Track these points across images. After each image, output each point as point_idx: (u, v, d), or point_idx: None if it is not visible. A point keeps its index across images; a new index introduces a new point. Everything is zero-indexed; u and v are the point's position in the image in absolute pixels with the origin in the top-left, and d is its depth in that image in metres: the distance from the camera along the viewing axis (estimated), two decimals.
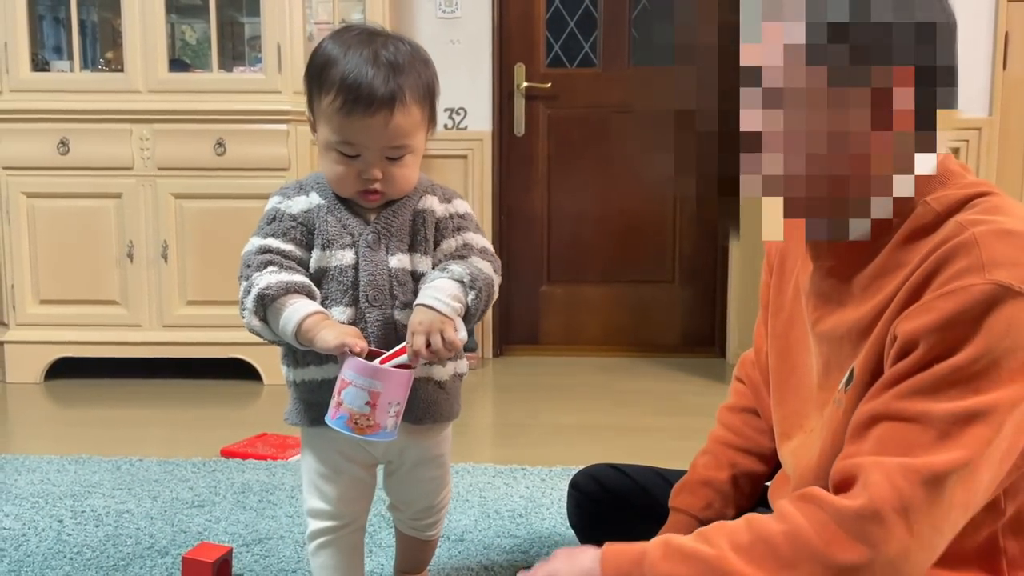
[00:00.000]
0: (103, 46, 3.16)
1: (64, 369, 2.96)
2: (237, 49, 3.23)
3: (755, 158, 0.87)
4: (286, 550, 1.53)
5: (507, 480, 1.91)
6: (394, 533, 1.33)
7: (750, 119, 0.86)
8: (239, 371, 2.93)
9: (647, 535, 1.21)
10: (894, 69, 0.85)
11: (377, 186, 1.08)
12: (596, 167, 3.47)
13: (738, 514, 1.08)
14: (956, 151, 3.14)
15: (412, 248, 1.13)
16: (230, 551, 1.42)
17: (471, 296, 1.08)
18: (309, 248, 1.11)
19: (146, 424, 2.47)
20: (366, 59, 1.04)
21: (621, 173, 3.44)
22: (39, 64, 2.98)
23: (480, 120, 3.38)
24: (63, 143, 2.86)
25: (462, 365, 1.19)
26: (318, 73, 1.07)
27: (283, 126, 2.84)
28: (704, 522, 1.20)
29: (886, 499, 0.81)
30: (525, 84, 3.44)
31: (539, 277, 3.58)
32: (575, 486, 1.42)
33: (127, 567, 1.45)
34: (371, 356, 1.03)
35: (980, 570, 0.90)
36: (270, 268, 1.07)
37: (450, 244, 1.15)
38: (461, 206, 1.18)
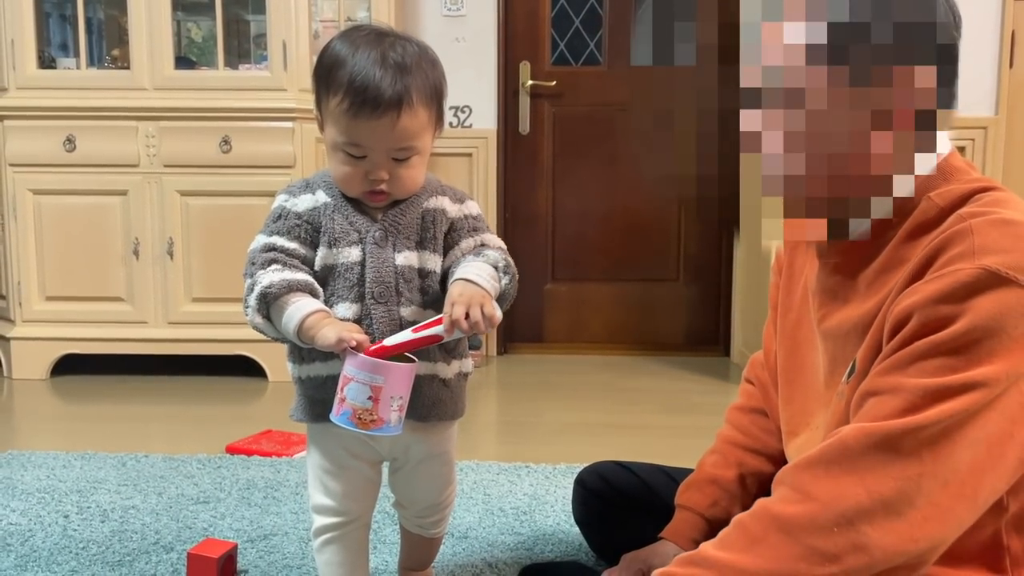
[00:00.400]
0: (109, 44, 3.17)
1: (70, 365, 2.97)
2: (243, 47, 3.24)
3: (758, 158, 0.87)
4: (291, 546, 1.53)
5: (511, 477, 1.91)
6: (399, 530, 1.33)
7: (759, 119, 0.86)
8: (244, 368, 2.93)
9: (652, 532, 1.23)
10: (894, 69, 0.85)
11: (383, 187, 1.08)
12: (601, 165, 3.47)
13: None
14: (962, 150, 3.13)
15: (421, 246, 1.13)
16: (235, 547, 1.42)
17: (505, 280, 1.10)
18: (314, 246, 1.12)
19: (151, 420, 2.48)
20: (374, 60, 1.04)
21: (626, 171, 3.44)
22: (45, 61, 2.99)
23: (485, 118, 3.38)
24: (69, 140, 2.86)
25: (467, 364, 1.20)
26: (326, 73, 1.07)
27: (288, 124, 2.84)
28: (710, 520, 1.21)
29: (833, 458, 0.82)
30: (530, 82, 3.44)
31: (543, 275, 3.58)
32: (581, 483, 1.43)
33: (132, 562, 1.46)
34: (374, 351, 1.03)
35: (983, 567, 0.90)
36: (274, 266, 1.07)
37: (468, 244, 1.15)
38: (473, 207, 1.19)
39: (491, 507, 1.72)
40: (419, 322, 1.08)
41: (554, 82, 3.44)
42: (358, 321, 1.10)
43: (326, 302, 1.10)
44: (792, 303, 1.11)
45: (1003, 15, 3.14)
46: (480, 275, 1.07)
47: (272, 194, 3.03)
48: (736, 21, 0.86)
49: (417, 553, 1.31)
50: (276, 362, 2.90)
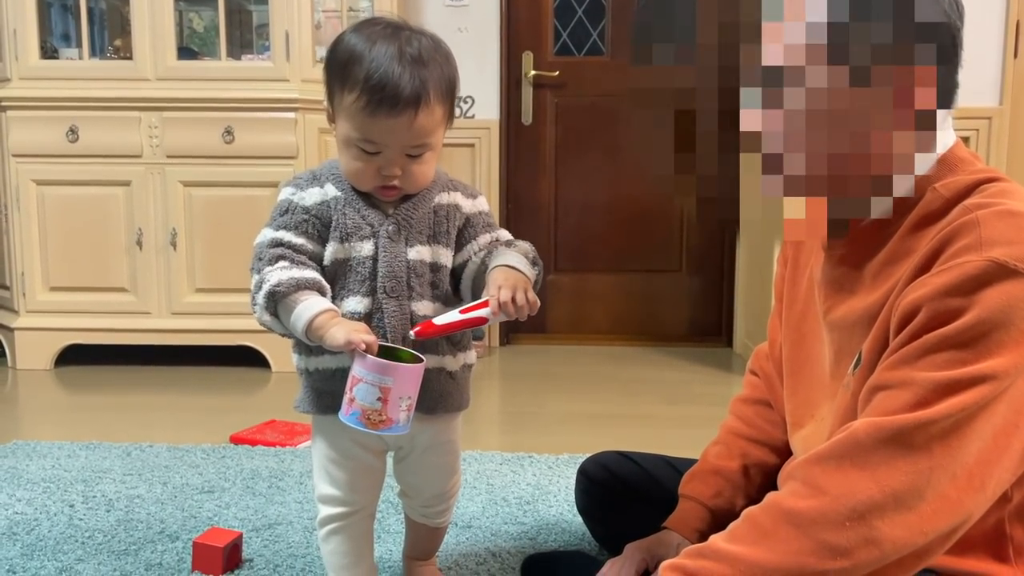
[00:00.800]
0: (111, 34, 3.16)
1: (74, 356, 2.98)
2: (245, 37, 3.23)
3: (776, 159, 0.87)
4: (295, 536, 1.54)
5: (514, 468, 1.92)
6: (403, 519, 1.34)
7: (759, 119, 0.86)
8: (248, 358, 2.94)
9: (655, 522, 1.23)
10: (894, 69, 0.85)
11: (396, 182, 1.08)
12: (604, 156, 3.47)
13: (747, 505, 1.09)
14: (966, 140, 3.12)
15: (433, 240, 1.13)
16: (240, 536, 1.43)
17: (537, 270, 1.13)
18: (322, 241, 1.11)
19: (155, 410, 2.49)
20: (391, 56, 1.03)
21: (629, 162, 3.44)
22: (48, 52, 2.99)
23: (488, 109, 3.38)
24: (72, 131, 2.86)
25: (471, 356, 1.20)
26: (340, 68, 1.05)
27: (291, 114, 2.84)
28: (713, 510, 1.21)
29: (844, 452, 0.82)
30: (533, 72, 3.43)
31: (546, 266, 3.55)
32: (584, 472, 1.43)
33: (138, 551, 1.47)
34: (381, 351, 1.04)
35: (987, 556, 0.91)
36: (281, 263, 1.06)
37: (485, 239, 1.16)
38: (484, 203, 1.19)
39: (494, 497, 1.73)
40: (434, 315, 1.09)
41: (557, 72, 3.43)
42: (368, 316, 1.10)
43: (336, 295, 1.10)
44: (797, 294, 1.11)
45: (1008, 5, 3.12)
46: (520, 263, 1.09)
47: (275, 185, 3.04)
48: (732, 21, 0.85)
49: (422, 542, 1.32)
50: (279, 352, 2.90)
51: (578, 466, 1.45)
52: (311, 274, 1.06)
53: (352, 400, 1.02)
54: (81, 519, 1.61)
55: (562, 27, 3.45)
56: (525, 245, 1.14)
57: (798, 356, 1.09)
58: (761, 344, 1.30)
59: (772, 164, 0.87)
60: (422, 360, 1.05)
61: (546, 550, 1.47)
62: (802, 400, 1.08)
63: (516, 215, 3.52)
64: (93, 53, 3.00)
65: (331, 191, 1.11)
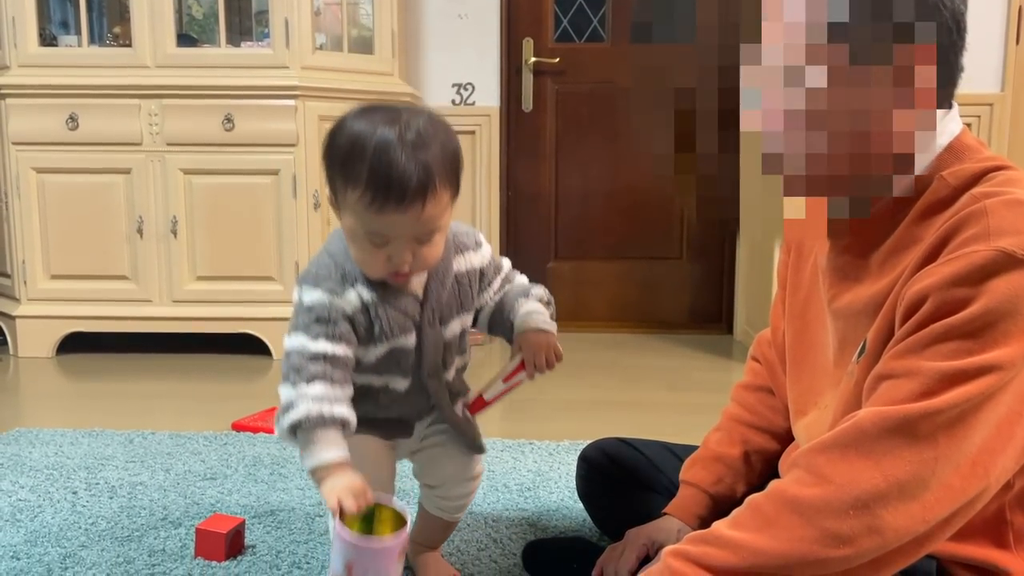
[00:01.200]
0: (110, 21, 3.15)
1: (75, 343, 2.98)
2: (244, 24, 3.22)
3: (776, 137, 0.87)
4: (298, 522, 1.55)
5: (515, 454, 1.92)
6: (417, 510, 1.34)
7: (759, 119, 0.86)
8: (249, 346, 2.94)
9: (656, 508, 1.24)
10: (895, 48, 0.84)
11: (406, 268, 1.06)
12: (604, 143, 3.46)
13: (748, 491, 1.09)
14: (968, 127, 3.11)
15: (461, 309, 1.18)
16: (242, 523, 1.43)
17: (551, 310, 1.22)
18: (361, 342, 1.10)
19: (157, 398, 2.49)
20: (392, 146, 0.99)
21: (629, 149, 3.43)
22: (47, 39, 2.97)
23: (488, 96, 3.37)
24: (72, 118, 2.86)
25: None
26: (342, 163, 1.02)
27: (291, 102, 2.83)
28: (714, 497, 1.21)
29: (849, 441, 0.82)
30: (533, 59, 3.42)
31: (546, 253, 3.58)
32: (584, 459, 1.44)
33: (141, 538, 1.47)
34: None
35: (987, 542, 0.91)
36: (317, 385, 1.04)
37: (496, 283, 1.22)
38: (488, 247, 1.22)
39: (495, 483, 1.74)
40: (460, 367, 1.20)
41: (557, 59, 3.42)
42: (410, 392, 1.16)
43: (380, 375, 1.14)
44: (801, 282, 1.11)
45: None
46: (547, 321, 1.18)
47: (275, 172, 3.03)
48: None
49: (433, 533, 1.33)
50: (281, 340, 2.90)
51: (579, 453, 1.46)
52: (340, 411, 1.04)
53: (332, 559, 0.99)
54: (84, 506, 1.62)
55: (562, 13, 3.44)
56: (539, 291, 1.22)
57: (801, 344, 1.09)
58: (763, 331, 1.30)
59: (772, 164, 0.87)
60: (405, 522, 1.00)
61: (547, 536, 1.47)
62: (805, 388, 1.08)
63: (516, 203, 3.51)
64: (92, 40, 2.99)
65: (364, 293, 1.08)
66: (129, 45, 2.88)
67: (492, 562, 1.39)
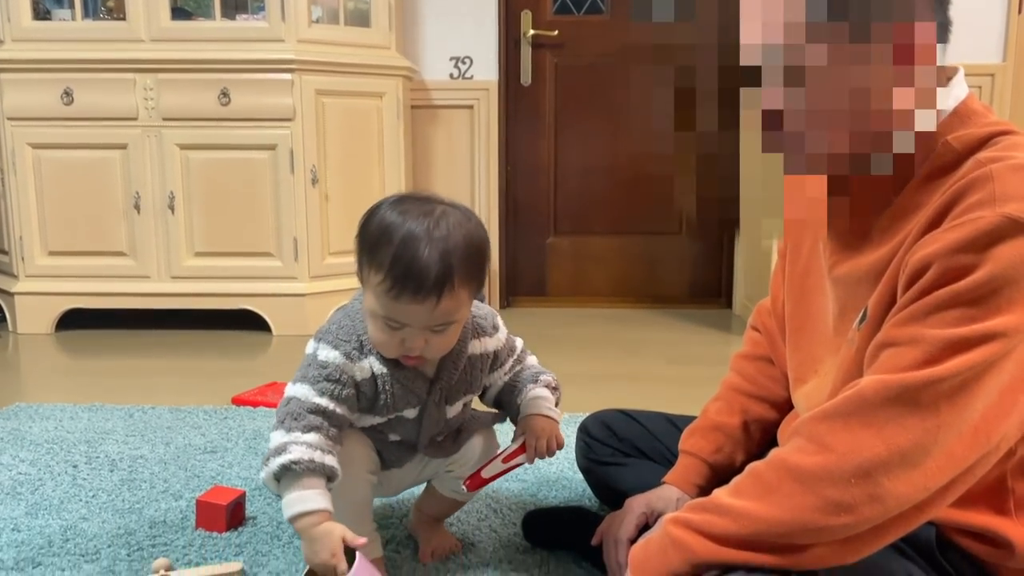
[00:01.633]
0: None
1: (75, 320, 2.98)
2: None
3: (777, 119, 0.86)
4: None
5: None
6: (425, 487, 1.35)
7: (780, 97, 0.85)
8: (249, 322, 2.94)
9: (655, 478, 1.24)
10: (897, 24, 0.84)
11: (417, 353, 1.09)
12: (604, 117, 3.44)
13: (747, 460, 1.09)
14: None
15: (468, 391, 1.21)
16: (243, 495, 1.44)
17: (556, 395, 1.27)
18: (361, 409, 1.14)
19: (157, 374, 2.49)
20: (418, 239, 1.02)
21: (629, 123, 3.41)
22: (40, 13, 2.95)
23: (486, 69, 3.34)
24: (67, 93, 2.84)
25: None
26: (370, 246, 1.06)
27: (287, 75, 2.81)
28: (713, 466, 1.21)
29: (851, 410, 0.82)
30: (532, 32, 3.39)
31: (546, 228, 3.57)
32: (584, 430, 1.44)
33: (142, 510, 1.48)
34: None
35: (988, 509, 0.91)
36: (312, 435, 1.06)
37: (508, 363, 1.27)
38: (504, 330, 1.25)
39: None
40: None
41: (556, 32, 3.39)
42: (402, 443, 1.20)
43: (377, 430, 1.18)
44: (801, 250, 1.10)
45: None
46: (552, 409, 1.24)
47: (273, 148, 3.01)
48: None
49: (441, 509, 1.34)
50: (281, 316, 2.90)
51: (578, 424, 1.46)
52: (331, 461, 1.05)
53: None
54: (85, 479, 1.62)
55: None
56: (548, 377, 1.27)
57: (801, 311, 1.09)
58: (763, 300, 1.30)
59: (771, 142, 0.86)
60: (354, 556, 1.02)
61: (547, 506, 1.48)
62: (805, 356, 1.08)
63: (515, 177, 3.50)
64: (86, 14, 2.96)
65: (376, 366, 1.12)
66: (123, 19, 2.85)
67: (492, 532, 1.39)
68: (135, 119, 2.85)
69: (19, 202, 2.91)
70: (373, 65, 2.95)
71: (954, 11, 0.90)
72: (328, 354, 1.11)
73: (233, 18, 2.97)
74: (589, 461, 1.43)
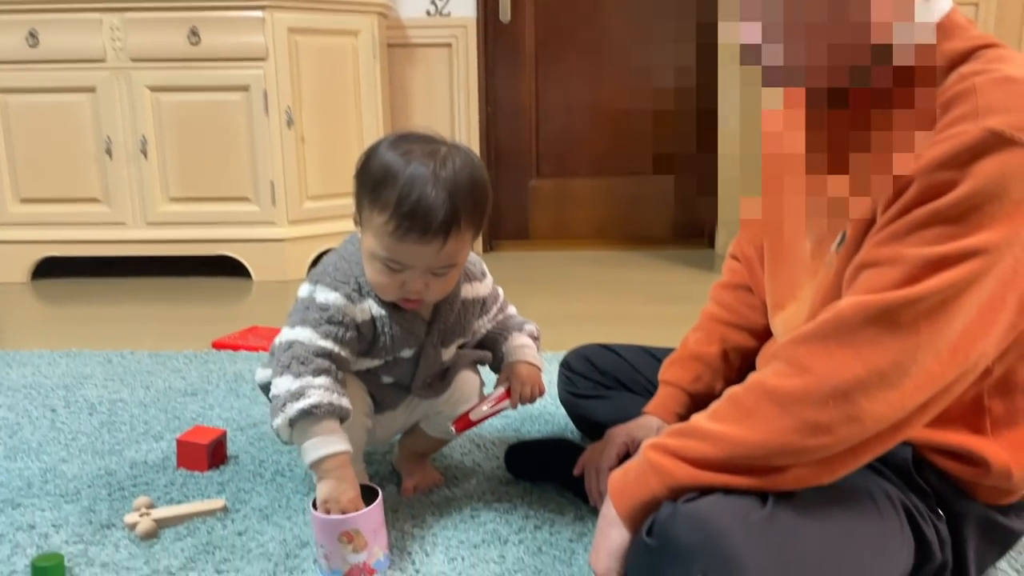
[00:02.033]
0: None
1: (51, 268, 2.94)
2: None
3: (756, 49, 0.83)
4: None
5: None
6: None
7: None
8: (228, 268, 2.91)
9: (635, 410, 1.24)
10: None
11: (417, 296, 1.09)
12: (586, 55, 3.38)
13: (726, 388, 1.09)
14: None
15: (462, 334, 1.22)
16: (224, 434, 1.43)
17: (537, 345, 1.29)
18: (360, 351, 1.13)
19: (136, 320, 2.47)
20: (424, 180, 1.01)
21: (612, 62, 3.35)
22: None
23: (464, 5, 3.27)
24: (32, 35, 2.75)
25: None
26: (372, 186, 1.04)
27: (259, 13, 2.73)
28: (693, 395, 1.22)
29: (829, 332, 0.82)
30: None
31: (528, 171, 3.53)
32: (566, 365, 1.44)
33: (122, 451, 1.47)
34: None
35: (964, 429, 0.92)
36: (323, 378, 1.05)
37: (493, 311, 1.28)
38: (490, 279, 1.26)
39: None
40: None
41: None
42: (395, 385, 1.20)
43: (371, 372, 1.18)
44: None
45: None
46: (535, 356, 1.25)
47: (246, 88, 2.94)
48: None
49: (426, 445, 1.34)
50: (260, 262, 2.87)
51: (560, 361, 1.46)
52: (347, 403, 1.06)
53: (327, 556, 1.05)
54: (63, 422, 1.61)
55: None
56: (531, 327, 1.29)
57: (779, 236, 1.08)
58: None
59: (749, 54, 0.84)
60: (377, 494, 1.07)
61: (529, 439, 1.48)
62: (783, 281, 1.07)
63: (496, 118, 3.45)
64: None
65: (375, 309, 1.11)
66: None
67: (476, 465, 1.40)
68: (103, 60, 2.78)
69: None
70: (347, 1, 2.87)
71: None
72: (328, 296, 1.09)
73: None
74: (570, 395, 1.43)
